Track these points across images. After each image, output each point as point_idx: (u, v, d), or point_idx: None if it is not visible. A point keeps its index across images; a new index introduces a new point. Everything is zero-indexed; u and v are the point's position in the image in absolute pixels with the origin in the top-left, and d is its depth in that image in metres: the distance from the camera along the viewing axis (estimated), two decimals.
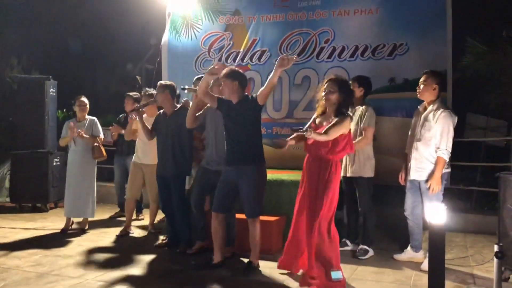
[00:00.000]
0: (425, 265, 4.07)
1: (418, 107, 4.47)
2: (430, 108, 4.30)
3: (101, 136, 5.86)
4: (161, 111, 5.06)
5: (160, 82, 5.02)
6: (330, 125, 3.78)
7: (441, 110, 4.21)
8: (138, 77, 10.32)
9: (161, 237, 5.28)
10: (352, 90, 4.07)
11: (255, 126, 4.19)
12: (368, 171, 4.72)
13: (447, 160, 4.21)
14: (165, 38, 7.06)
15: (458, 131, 6.63)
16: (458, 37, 5.94)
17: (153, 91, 5.53)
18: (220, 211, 4.20)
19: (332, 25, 6.11)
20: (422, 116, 4.34)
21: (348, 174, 4.81)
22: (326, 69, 6.09)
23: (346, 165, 4.83)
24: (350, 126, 3.91)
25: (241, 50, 6.59)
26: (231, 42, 6.69)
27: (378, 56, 5.86)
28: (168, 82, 5.01)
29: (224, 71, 4.11)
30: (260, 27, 6.52)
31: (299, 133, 3.64)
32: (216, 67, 4.09)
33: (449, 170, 4.36)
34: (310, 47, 6.21)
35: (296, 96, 6.26)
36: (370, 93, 4.88)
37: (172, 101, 4.93)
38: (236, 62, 6.55)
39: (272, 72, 3.93)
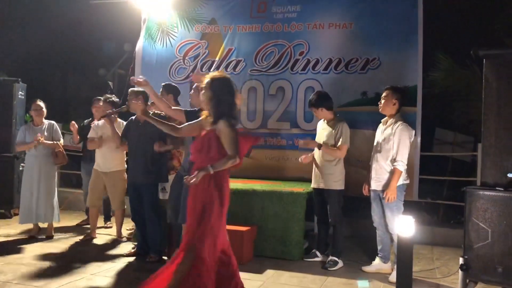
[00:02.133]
0: (393, 277, 4.13)
1: (381, 121, 4.60)
2: (389, 122, 4.48)
3: (61, 141, 5.75)
4: (132, 117, 4.98)
5: (132, 89, 4.92)
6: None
7: (398, 123, 4.39)
8: (110, 83, 10.17)
9: (132, 246, 5.18)
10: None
11: None
12: (339, 184, 4.78)
13: (403, 171, 4.34)
14: (140, 44, 6.99)
15: (427, 145, 6.83)
16: (429, 54, 6.11)
17: (114, 98, 5.57)
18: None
19: (307, 37, 6.19)
20: (383, 130, 4.51)
21: (319, 186, 4.85)
22: (300, 81, 6.15)
23: (316, 177, 4.88)
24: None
25: (217, 59, 6.59)
26: (207, 51, 6.69)
27: (351, 70, 5.96)
28: (141, 89, 4.91)
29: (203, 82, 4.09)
30: (236, 37, 6.54)
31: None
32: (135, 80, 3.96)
33: (407, 181, 4.49)
34: (285, 59, 6.26)
35: (270, 106, 6.29)
36: (332, 107, 4.91)
37: (145, 108, 4.86)
38: (211, 71, 6.54)
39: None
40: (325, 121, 4.92)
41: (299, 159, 4.96)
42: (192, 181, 3.12)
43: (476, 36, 7.00)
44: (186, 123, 3.70)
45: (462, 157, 7.36)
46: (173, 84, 5.16)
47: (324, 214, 4.88)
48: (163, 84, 5.05)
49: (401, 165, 4.31)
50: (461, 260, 3.34)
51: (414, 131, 4.47)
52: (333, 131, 4.76)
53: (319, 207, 4.96)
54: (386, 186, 4.36)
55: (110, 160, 5.46)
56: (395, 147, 4.34)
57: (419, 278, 4.38)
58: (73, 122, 6.04)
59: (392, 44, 5.77)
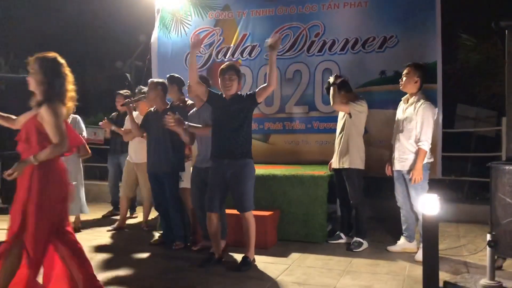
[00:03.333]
0: (419, 256, 4.10)
1: (403, 98, 4.53)
2: (411, 100, 4.38)
3: (84, 134, 5.84)
4: (151, 108, 5.02)
5: (151, 79, 4.97)
6: None
7: (421, 101, 4.29)
8: (127, 75, 10.27)
9: (157, 235, 5.26)
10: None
11: (249, 122, 4.18)
12: (357, 163, 4.75)
13: (428, 150, 4.27)
14: (155, 35, 7.00)
15: (449, 122, 6.72)
16: (448, 29, 5.97)
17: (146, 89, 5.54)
18: (212, 211, 4.19)
19: (322, 18, 6.10)
20: (404, 108, 4.42)
21: (337, 166, 4.84)
22: (317, 63, 6.09)
23: (336, 157, 4.87)
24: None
25: (232, 45, 6.57)
26: (221, 38, 6.66)
27: (368, 49, 5.87)
28: (160, 80, 4.96)
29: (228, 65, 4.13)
30: (250, 22, 6.49)
31: None
32: (193, 40, 4.09)
33: (431, 160, 4.42)
34: (301, 41, 6.20)
35: (287, 90, 6.25)
36: (351, 89, 4.92)
37: (164, 98, 4.89)
38: (226, 57, 6.52)
39: (269, 63, 3.95)
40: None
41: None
42: (13, 175, 2.89)
43: (496, 7, 6.81)
44: None
45: (486, 132, 7.22)
46: (177, 75, 5.15)
47: (346, 195, 4.86)
48: (167, 76, 5.06)
49: (426, 145, 4.23)
50: (488, 237, 3.29)
51: (436, 109, 4.38)
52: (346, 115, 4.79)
53: (340, 189, 4.94)
54: (411, 166, 4.29)
55: (140, 151, 5.51)
56: (418, 126, 4.25)
57: (446, 256, 4.35)
58: (105, 119, 6.11)
59: (409, 21, 5.64)
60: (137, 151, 5.57)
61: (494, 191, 3.90)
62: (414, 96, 4.37)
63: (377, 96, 5.65)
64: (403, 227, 4.55)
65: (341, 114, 4.92)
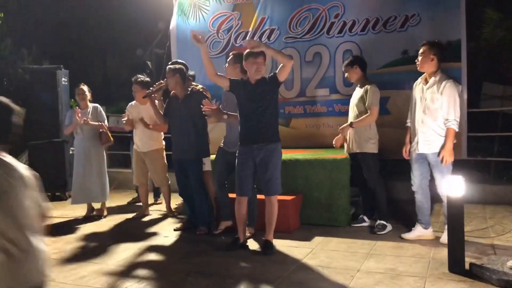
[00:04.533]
0: (444, 238, 4.04)
1: (419, 79, 4.36)
2: (432, 80, 4.20)
3: (106, 122, 5.92)
4: (171, 95, 5.02)
5: (169, 66, 4.93)
6: None
7: (445, 81, 4.13)
8: (148, 62, 10.31)
9: (181, 220, 5.33)
10: None
11: (275, 104, 4.19)
12: (371, 147, 4.70)
13: (457, 130, 4.14)
14: (173, 22, 7.00)
15: (474, 101, 6.56)
16: (471, 6, 5.78)
17: (143, 78, 5.69)
18: (244, 195, 4.22)
19: None
20: (425, 89, 4.24)
21: (352, 150, 4.82)
22: (337, 44, 6.00)
23: (349, 141, 4.84)
24: None
25: (250, 29, 6.52)
26: (240, 22, 6.62)
27: (390, 29, 5.75)
28: (177, 66, 4.90)
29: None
30: (268, 5, 6.42)
31: None
32: (194, 34, 4.07)
33: (455, 141, 4.19)
34: (320, 23, 6.11)
35: (307, 73, 6.19)
36: (365, 70, 4.85)
37: (183, 85, 4.88)
38: (245, 41, 6.46)
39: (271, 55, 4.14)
40: (357, 86, 4.86)
41: (333, 142, 4.86)
42: None
43: None
44: None
45: None
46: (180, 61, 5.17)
47: (363, 178, 4.81)
48: (169, 63, 5.07)
49: (455, 124, 4.09)
50: None
51: (460, 87, 4.23)
52: (362, 93, 4.71)
53: (358, 172, 4.89)
54: (439, 148, 4.13)
55: (146, 140, 5.61)
56: (445, 106, 4.09)
57: (472, 238, 4.27)
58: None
59: None
60: (142, 140, 5.65)
61: None
62: (434, 77, 4.21)
63: (400, 77, 5.56)
64: (418, 214, 4.40)
65: (353, 98, 4.88)
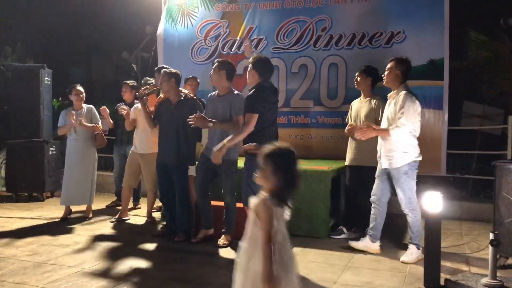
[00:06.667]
0: (404, 258, 4.11)
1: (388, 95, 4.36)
2: (394, 94, 4.23)
3: (99, 124, 5.87)
4: (162, 99, 4.98)
5: (164, 70, 4.91)
6: None
7: (401, 93, 4.13)
8: (133, 65, 10.27)
9: (160, 226, 5.28)
10: None
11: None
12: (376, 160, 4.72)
13: (393, 137, 4.08)
14: (161, 26, 6.99)
15: (454, 119, 6.68)
16: (455, 26, 5.92)
17: (153, 80, 5.53)
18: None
19: (329, 13, 6.07)
20: (387, 104, 4.30)
21: (358, 163, 4.82)
22: (323, 57, 6.07)
23: (354, 153, 4.84)
24: None
25: (238, 38, 6.55)
26: (228, 30, 6.64)
27: (375, 44, 5.84)
28: (173, 70, 4.89)
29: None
30: (256, 15, 6.47)
31: None
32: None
33: (419, 158, 4.16)
34: (307, 36, 6.17)
35: (293, 84, 6.23)
36: (375, 84, 4.91)
37: (177, 89, 4.86)
38: (232, 50, 6.51)
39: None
40: (362, 98, 4.91)
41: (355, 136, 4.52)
42: None
43: (504, 5, 6.74)
44: None
45: (492, 130, 7.17)
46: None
47: (355, 192, 4.81)
48: (156, 68, 5.12)
49: (396, 131, 4.02)
50: (491, 235, 3.27)
51: (418, 103, 4.11)
52: (372, 105, 4.78)
53: (352, 185, 4.90)
54: (398, 164, 4.09)
55: (146, 142, 5.51)
56: (398, 115, 4.05)
57: (448, 254, 4.33)
58: (104, 107, 6.09)
59: (417, 16, 5.60)
60: (142, 142, 5.56)
61: (498, 189, 3.88)
62: (397, 91, 4.20)
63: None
64: (370, 225, 4.39)
65: (358, 110, 4.92)
